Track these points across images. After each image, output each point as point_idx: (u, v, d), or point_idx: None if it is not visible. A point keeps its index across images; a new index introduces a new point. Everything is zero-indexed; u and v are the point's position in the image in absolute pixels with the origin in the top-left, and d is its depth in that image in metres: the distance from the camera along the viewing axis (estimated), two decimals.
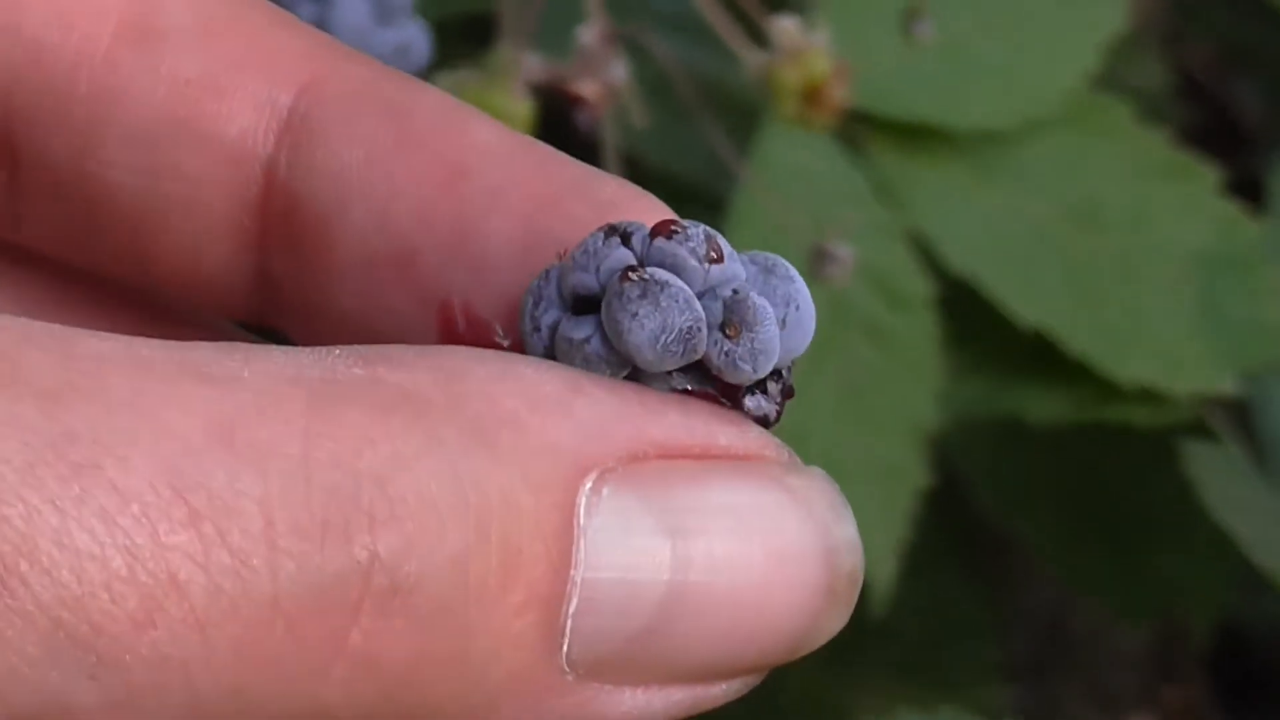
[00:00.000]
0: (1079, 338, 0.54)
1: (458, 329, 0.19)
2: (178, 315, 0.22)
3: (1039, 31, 0.54)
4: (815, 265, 0.45)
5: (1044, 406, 0.56)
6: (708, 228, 0.18)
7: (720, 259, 0.18)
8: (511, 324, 0.19)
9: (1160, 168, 0.56)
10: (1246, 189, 0.58)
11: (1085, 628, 0.72)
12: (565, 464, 0.16)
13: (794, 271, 0.18)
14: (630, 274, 0.17)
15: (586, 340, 0.18)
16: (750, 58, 0.45)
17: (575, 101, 0.45)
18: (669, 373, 0.18)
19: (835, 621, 0.18)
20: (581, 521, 0.16)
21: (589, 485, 0.16)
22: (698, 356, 0.18)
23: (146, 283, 0.22)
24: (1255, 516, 0.51)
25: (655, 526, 0.17)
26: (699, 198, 0.57)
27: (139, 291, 0.22)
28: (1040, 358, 0.55)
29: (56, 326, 0.16)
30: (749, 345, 0.17)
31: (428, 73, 0.47)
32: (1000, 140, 0.54)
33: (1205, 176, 0.56)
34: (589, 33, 0.45)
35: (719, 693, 0.17)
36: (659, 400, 0.17)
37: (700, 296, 0.18)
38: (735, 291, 0.18)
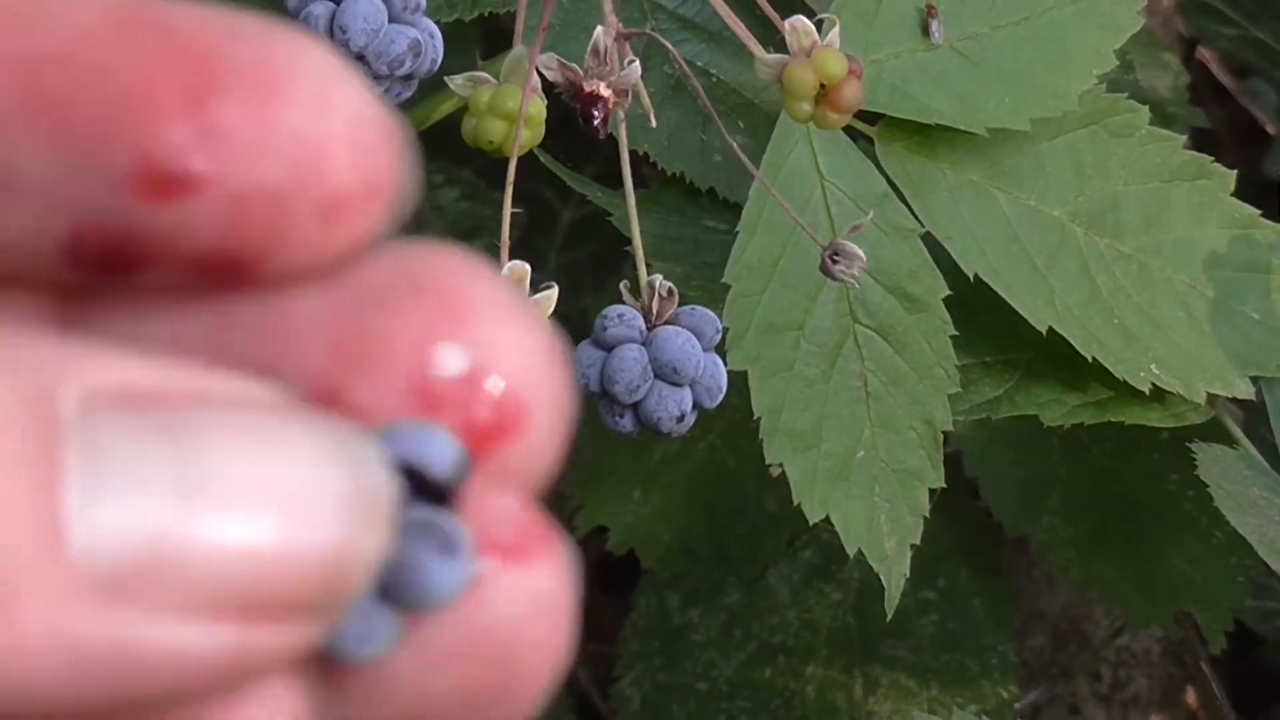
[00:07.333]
0: (1094, 340, 0.54)
1: None
2: None
3: (1055, 32, 0.54)
4: (829, 265, 0.45)
5: (1058, 408, 0.56)
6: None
7: None
8: None
9: (1177, 169, 0.55)
10: (1264, 190, 0.58)
11: (1102, 628, 0.72)
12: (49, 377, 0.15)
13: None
14: None
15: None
16: (764, 58, 0.45)
17: (590, 102, 0.45)
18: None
19: (373, 539, 0.16)
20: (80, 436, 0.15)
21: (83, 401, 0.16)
22: None
23: None
24: (1269, 518, 0.51)
25: (160, 446, 0.16)
26: (712, 199, 0.57)
27: None
28: (1055, 359, 0.55)
29: None
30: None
31: (440, 72, 0.47)
32: (1015, 141, 0.54)
33: (1222, 178, 0.56)
34: (604, 34, 0.45)
35: (273, 638, 0.16)
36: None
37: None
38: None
